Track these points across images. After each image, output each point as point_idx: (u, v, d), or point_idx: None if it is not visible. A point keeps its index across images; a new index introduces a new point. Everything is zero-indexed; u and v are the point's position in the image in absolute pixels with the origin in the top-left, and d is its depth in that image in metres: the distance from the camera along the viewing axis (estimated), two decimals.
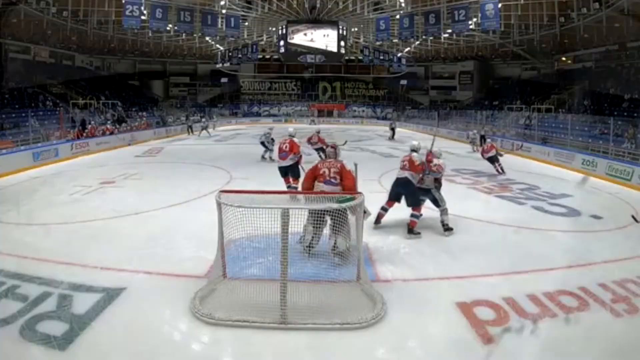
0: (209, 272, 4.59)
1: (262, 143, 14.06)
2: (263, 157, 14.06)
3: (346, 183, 5.28)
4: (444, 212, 6.46)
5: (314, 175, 5.42)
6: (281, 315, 3.71)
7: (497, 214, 7.43)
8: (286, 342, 3.52)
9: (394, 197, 6.55)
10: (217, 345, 3.54)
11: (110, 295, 4.17)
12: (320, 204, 4.39)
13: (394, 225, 6.68)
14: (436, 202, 6.49)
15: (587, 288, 4.40)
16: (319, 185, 5.34)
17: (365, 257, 4.86)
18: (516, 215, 7.45)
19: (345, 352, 3.44)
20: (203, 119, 28.84)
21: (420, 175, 6.37)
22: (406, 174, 6.32)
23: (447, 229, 6.37)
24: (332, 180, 5.31)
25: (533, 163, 14.84)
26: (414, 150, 6.56)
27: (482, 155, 12.55)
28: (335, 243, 4.49)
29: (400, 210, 7.63)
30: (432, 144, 6.75)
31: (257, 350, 3.45)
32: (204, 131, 24.43)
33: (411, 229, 6.23)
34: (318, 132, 13.52)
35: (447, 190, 9.63)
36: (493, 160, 12.04)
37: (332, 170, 5.37)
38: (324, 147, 12.79)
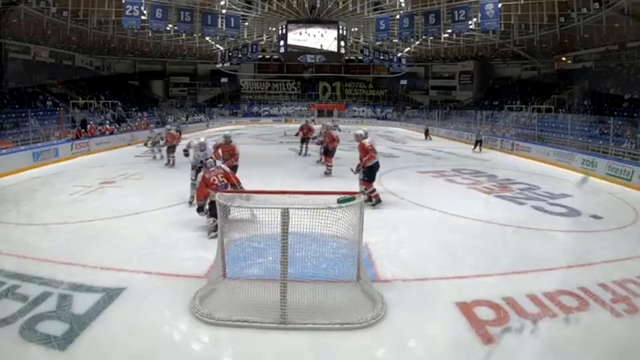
0: (209, 272, 4.59)
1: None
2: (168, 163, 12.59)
3: (232, 182, 6.24)
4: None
5: (206, 185, 6.02)
6: (281, 315, 3.71)
7: (497, 214, 7.42)
8: (286, 342, 3.52)
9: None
10: (217, 345, 3.54)
11: (110, 295, 4.17)
12: (319, 204, 4.39)
13: (395, 225, 6.68)
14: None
15: (587, 288, 4.40)
16: (213, 195, 5.83)
17: (365, 257, 4.86)
18: (516, 215, 7.45)
19: (345, 352, 3.44)
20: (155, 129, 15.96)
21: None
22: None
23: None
24: (223, 185, 6.07)
25: (533, 163, 14.85)
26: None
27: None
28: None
29: (401, 211, 7.66)
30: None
31: (257, 351, 3.45)
32: (156, 149, 14.01)
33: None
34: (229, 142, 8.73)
35: (447, 190, 9.73)
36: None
37: (219, 176, 6.10)
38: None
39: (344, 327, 3.64)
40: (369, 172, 7.68)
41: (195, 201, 7.28)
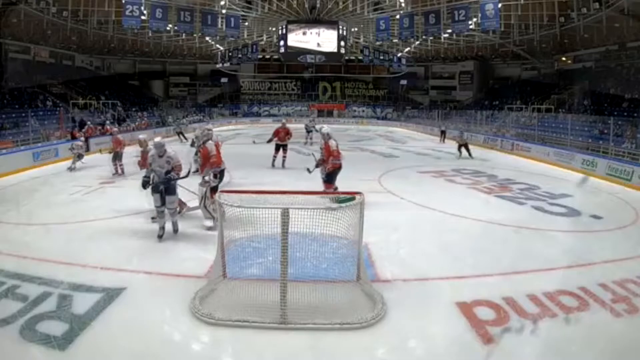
0: (209, 272, 4.59)
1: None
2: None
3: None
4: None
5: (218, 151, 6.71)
6: (281, 315, 3.71)
7: (497, 214, 7.42)
8: (286, 342, 3.52)
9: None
10: (217, 345, 3.55)
11: (110, 295, 4.17)
12: (319, 204, 4.39)
13: (395, 225, 6.68)
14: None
15: (587, 288, 4.40)
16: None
17: (365, 257, 4.86)
18: (516, 215, 7.45)
19: (345, 352, 3.44)
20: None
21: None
22: None
23: None
24: None
25: (533, 163, 14.84)
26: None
27: None
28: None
29: (401, 211, 7.65)
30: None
31: (257, 351, 3.45)
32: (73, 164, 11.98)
33: None
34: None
35: (447, 190, 9.72)
36: None
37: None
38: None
39: (344, 327, 3.64)
40: (332, 175, 7.41)
41: (183, 210, 6.79)
